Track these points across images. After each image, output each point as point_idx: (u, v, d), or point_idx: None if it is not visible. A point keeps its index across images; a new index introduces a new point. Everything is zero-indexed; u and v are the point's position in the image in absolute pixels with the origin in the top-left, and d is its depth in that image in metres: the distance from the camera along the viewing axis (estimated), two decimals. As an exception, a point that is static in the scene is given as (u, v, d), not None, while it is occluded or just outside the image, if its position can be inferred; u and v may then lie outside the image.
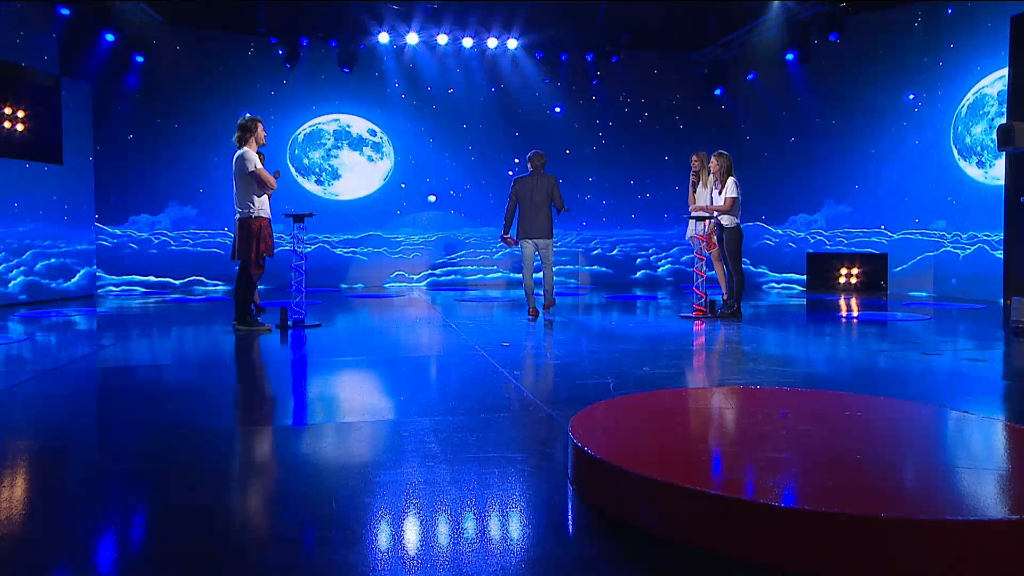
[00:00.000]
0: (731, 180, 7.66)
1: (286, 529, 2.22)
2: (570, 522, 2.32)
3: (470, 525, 2.23)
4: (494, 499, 2.47)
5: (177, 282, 12.19)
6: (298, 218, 7.28)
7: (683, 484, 1.98)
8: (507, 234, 7.87)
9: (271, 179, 6.73)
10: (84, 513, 2.38)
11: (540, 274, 7.88)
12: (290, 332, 6.83)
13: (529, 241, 7.71)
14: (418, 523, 2.25)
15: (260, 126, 6.77)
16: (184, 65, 12.02)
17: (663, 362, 5.14)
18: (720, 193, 7.73)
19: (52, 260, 10.27)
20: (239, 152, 6.67)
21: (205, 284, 12.32)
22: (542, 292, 7.90)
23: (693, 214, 8.15)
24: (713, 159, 7.76)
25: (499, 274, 13.58)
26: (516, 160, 13.30)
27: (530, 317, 7.74)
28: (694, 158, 8.67)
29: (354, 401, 4.01)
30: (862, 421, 2.74)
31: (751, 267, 12.64)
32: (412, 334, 7.09)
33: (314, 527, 2.23)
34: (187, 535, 2.17)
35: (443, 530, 2.19)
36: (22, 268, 9.79)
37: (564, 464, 2.75)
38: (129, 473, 2.85)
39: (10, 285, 9.54)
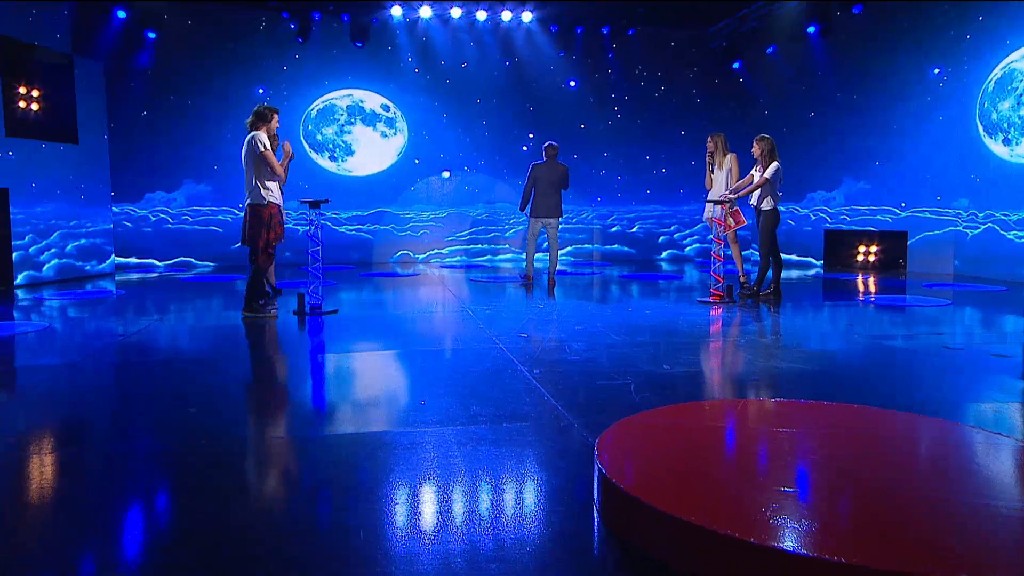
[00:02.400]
0: (774, 164, 7.56)
1: (308, 569, 2.23)
2: (595, 555, 2.32)
3: (495, 557, 2.24)
4: (519, 526, 2.47)
5: (160, 263, 12.12)
6: (314, 204, 7.24)
7: (716, 528, 1.97)
8: (524, 210, 9.33)
9: (279, 166, 6.68)
10: (90, 531, 2.40)
11: (545, 254, 9.22)
12: (307, 319, 6.85)
13: (539, 220, 9.15)
14: (440, 552, 2.25)
15: (276, 116, 6.72)
16: (196, 41, 11.91)
17: (682, 358, 5.12)
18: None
19: (78, 240, 10.31)
20: (250, 135, 6.61)
21: (195, 265, 12.25)
22: (548, 269, 9.27)
23: (712, 198, 8.07)
24: (755, 144, 7.68)
25: (511, 254, 13.53)
26: (531, 135, 13.17)
27: (525, 281, 9.36)
28: (709, 140, 8.57)
29: (374, 407, 4.01)
30: (905, 448, 2.68)
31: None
32: (429, 322, 7.09)
33: (339, 563, 2.23)
34: (191, 564, 2.19)
35: (465, 560, 2.19)
36: (52, 250, 9.85)
37: (590, 486, 2.74)
38: (140, 488, 2.88)
39: (44, 268, 9.62)
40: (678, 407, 3.24)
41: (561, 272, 11.17)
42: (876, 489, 2.32)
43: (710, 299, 7.86)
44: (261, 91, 12.20)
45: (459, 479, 2.90)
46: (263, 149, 6.49)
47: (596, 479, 2.61)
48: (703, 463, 2.54)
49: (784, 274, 9.16)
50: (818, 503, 2.24)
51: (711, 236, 7.95)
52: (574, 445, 3.31)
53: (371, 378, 4.65)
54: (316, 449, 3.33)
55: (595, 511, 2.58)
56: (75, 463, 3.19)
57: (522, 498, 2.73)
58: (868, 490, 2.31)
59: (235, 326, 6.60)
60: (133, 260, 11.98)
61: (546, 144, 9.31)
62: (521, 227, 13.29)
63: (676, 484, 2.35)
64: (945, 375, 4.81)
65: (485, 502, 2.68)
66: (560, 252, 9.27)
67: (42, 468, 3.13)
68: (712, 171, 8.57)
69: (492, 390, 4.25)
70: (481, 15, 12.46)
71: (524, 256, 9.51)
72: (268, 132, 6.69)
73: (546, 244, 9.13)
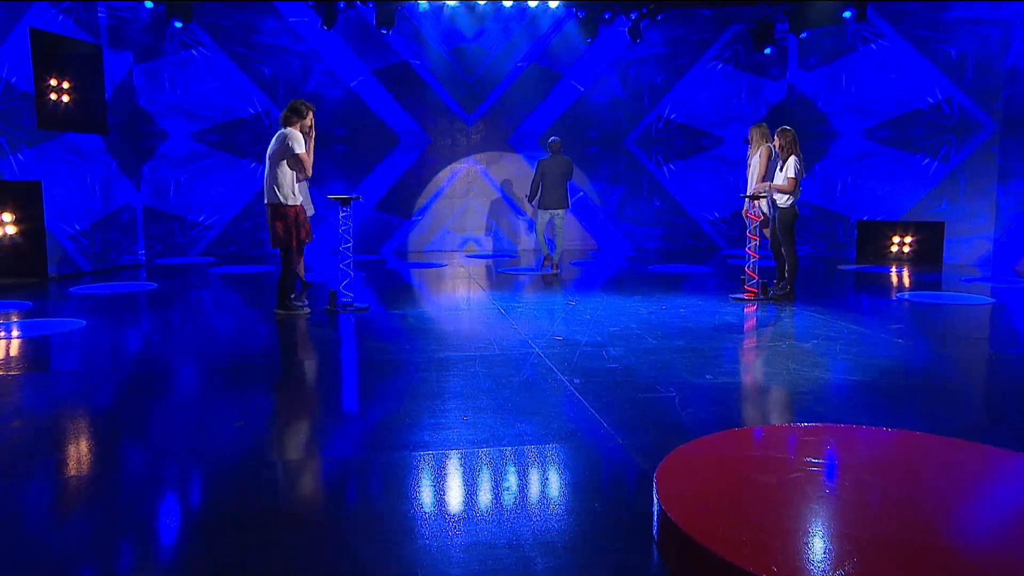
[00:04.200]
0: (792, 159, 7.39)
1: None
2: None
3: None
4: (579, 564, 2.43)
5: (189, 255, 12.14)
6: (345, 201, 7.21)
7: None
8: (532, 202, 10.01)
9: (310, 167, 6.60)
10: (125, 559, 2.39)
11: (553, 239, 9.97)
12: (339, 317, 6.84)
13: (547, 211, 9.80)
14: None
15: (311, 114, 6.61)
16: (222, 29, 11.87)
17: (724, 366, 5.04)
18: (781, 171, 7.49)
19: (109, 232, 10.37)
20: (284, 131, 6.50)
21: (225, 257, 12.20)
22: (555, 252, 9.99)
23: (747, 193, 7.93)
24: (776, 136, 7.49)
25: (532, 247, 13.43)
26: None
27: (546, 263, 10.04)
28: (752, 130, 8.37)
29: (417, 423, 3.95)
30: (995, 492, 2.55)
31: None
32: (462, 322, 7.02)
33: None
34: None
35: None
36: (84, 242, 9.92)
37: (647, 519, 2.69)
38: (178, 515, 2.87)
39: (77, 260, 9.69)
40: (736, 433, 3.17)
41: (591, 262, 11.20)
42: (965, 544, 2.24)
43: (744, 296, 7.75)
44: (303, 100, 12.16)
45: (511, 509, 2.86)
46: (300, 151, 6.42)
47: (656, 516, 2.56)
48: (771, 504, 2.48)
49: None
50: (907, 561, 2.16)
51: (747, 231, 7.82)
52: (627, 471, 3.26)
53: (410, 389, 4.60)
54: (360, 472, 3.30)
55: (654, 547, 2.54)
56: (110, 485, 3.19)
57: (579, 531, 2.69)
58: (959, 545, 2.21)
59: (269, 325, 6.60)
60: (162, 251, 12.05)
61: (550, 140, 9.87)
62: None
63: (746, 531, 2.29)
64: (1006, 392, 4.70)
65: (542, 534, 2.64)
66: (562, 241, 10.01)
67: (79, 487, 3.13)
68: (751, 163, 8.41)
69: (535, 403, 4.21)
70: (507, 2, 12.25)
71: (540, 246, 10.27)
72: (302, 128, 6.57)
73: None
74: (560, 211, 9.80)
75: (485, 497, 2.98)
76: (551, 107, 13.12)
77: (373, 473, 3.26)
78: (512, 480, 3.15)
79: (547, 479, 3.18)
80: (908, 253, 11.43)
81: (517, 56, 12.97)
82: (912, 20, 11.15)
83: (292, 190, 6.53)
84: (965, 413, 4.27)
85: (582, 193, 13.23)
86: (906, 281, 9.46)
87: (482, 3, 12.30)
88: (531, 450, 3.47)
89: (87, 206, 10.05)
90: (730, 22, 13.05)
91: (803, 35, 12.21)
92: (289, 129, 6.47)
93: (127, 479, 3.24)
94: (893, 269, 10.53)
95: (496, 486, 3.08)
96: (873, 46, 11.60)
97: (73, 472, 3.31)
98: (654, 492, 2.62)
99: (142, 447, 3.69)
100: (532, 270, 10.43)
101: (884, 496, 2.53)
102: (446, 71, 12.90)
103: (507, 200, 13.27)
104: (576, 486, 3.09)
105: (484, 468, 3.27)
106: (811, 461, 2.78)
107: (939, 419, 4.04)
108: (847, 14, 11.39)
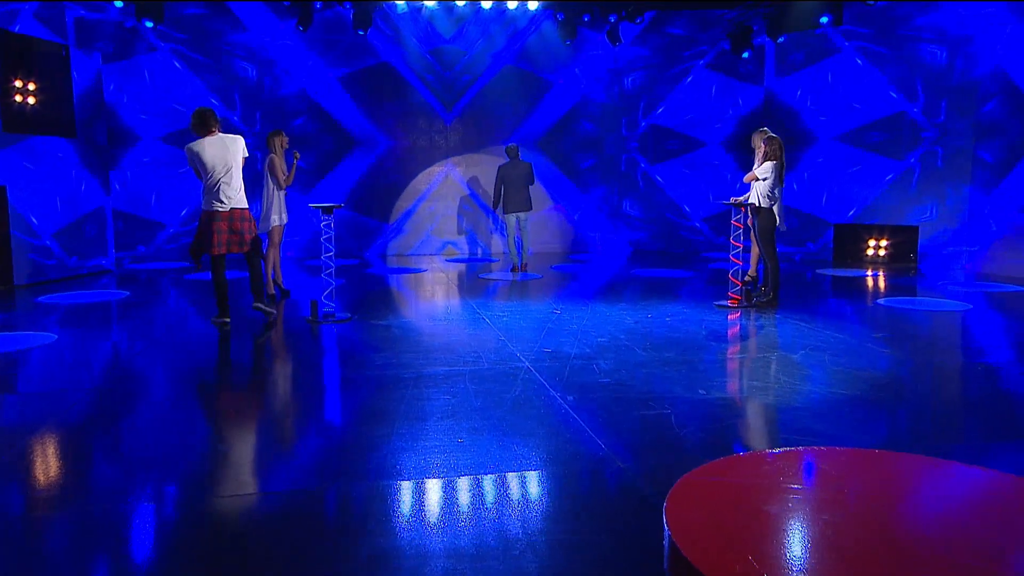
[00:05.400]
0: (768, 163, 7.43)
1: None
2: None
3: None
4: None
5: (162, 260, 11.90)
6: (327, 210, 7.08)
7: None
8: (496, 208, 10.41)
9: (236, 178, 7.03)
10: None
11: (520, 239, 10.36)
12: (321, 328, 6.71)
13: (512, 215, 10.16)
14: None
15: (278, 139, 7.65)
16: (194, 31, 11.60)
17: (716, 380, 5.01)
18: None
19: (77, 237, 10.07)
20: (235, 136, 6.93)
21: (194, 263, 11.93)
22: (522, 254, 10.41)
23: (730, 201, 7.94)
24: (763, 142, 7.56)
25: (505, 250, 13.37)
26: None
27: (513, 270, 10.30)
28: (754, 137, 8.36)
29: (410, 447, 3.85)
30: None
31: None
32: (448, 334, 6.83)
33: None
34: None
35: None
36: (51, 248, 9.61)
37: (656, 551, 2.64)
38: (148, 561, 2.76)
39: (44, 267, 9.37)
40: (744, 459, 3.12)
41: (574, 266, 11.19)
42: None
43: (728, 303, 7.76)
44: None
45: (516, 542, 2.79)
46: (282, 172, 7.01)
47: (666, 550, 2.50)
48: (788, 538, 2.42)
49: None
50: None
51: (731, 237, 7.82)
52: (631, 498, 3.20)
53: (401, 408, 4.49)
54: (348, 503, 3.20)
55: (666, 583, 2.48)
56: (80, 521, 3.05)
57: (587, 566, 2.62)
58: None
59: (248, 338, 6.44)
60: (133, 257, 11.75)
61: (507, 145, 10.33)
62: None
63: (765, 568, 2.23)
64: (1000, 404, 4.73)
65: (550, 570, 2.57)
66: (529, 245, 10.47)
67: (46, 523, 3.00)
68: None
69: (529, 422, 4.13)
70: (486, 4, 12.13)
71: (509, 252, 10.47)
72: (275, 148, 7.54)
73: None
74: (524, 213, 10.15)
75: (488, 528, 2.90)
76: (530, 109, 13.06)
77: (366, 505, 3.15)
78: (515, 509, 3.07)
79: (551, 508, 3.11)
80: (883, 256, 11.56)
81: (495, 57, 12.88)
82: (890, 25, 11.26)
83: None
84: (960, 431, 4.29)
85: (609, 187, 13.30)
86: (882, 285, 9.56)
87: (460, 4, 12.18)
88: (531, 476, 3.40)
89: (55, 211, 9.75)
90: (709, 26, 13.08)
91: (780, 40, 12.28)
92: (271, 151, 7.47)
93: (97, 514, 3.09)
94: (869, 273, 10.64)
95: (499, 516, 3.00)
96: (851, 52, 11.71)
97: (41, 511, 3.16)
98: (664, 524, 2.56)
99: (115, 476, 3.54)
100: (509, 276, 10.34)
101: (902, 526, 2.49)
102: (424, 72, 12.76)
103: (482, 205, 13.17)
104: (580, 516, 3.02)
105: (484, 496, 3.19)
106: (825, 489, 2.74)
107: (933, 437, 4.06)
108: (824, 19, 11.47)
